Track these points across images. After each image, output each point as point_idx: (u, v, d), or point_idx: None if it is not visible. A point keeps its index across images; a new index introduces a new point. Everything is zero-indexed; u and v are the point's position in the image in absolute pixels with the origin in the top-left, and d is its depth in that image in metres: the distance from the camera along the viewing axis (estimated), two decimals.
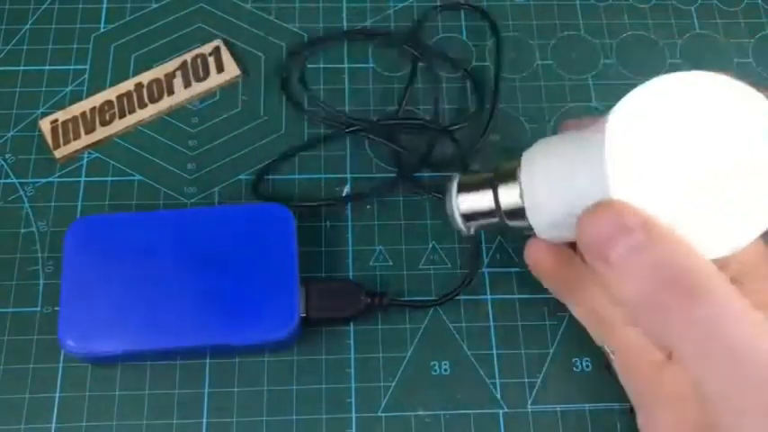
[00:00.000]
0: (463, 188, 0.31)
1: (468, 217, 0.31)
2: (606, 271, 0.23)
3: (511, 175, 0.29)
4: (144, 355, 0.33)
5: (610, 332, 0.29)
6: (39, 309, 0.35)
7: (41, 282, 0.35)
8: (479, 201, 0.30)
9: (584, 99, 0.40)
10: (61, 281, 0.33)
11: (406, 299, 0.35)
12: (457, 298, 0.35)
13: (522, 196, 0.29)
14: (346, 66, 0.41)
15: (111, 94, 0.39)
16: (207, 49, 0.40)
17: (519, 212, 0.29)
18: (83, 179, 0.38)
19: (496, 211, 0.30)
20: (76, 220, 0.34)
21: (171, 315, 0.32)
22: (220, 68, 0.40)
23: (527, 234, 0.31)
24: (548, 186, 0.27)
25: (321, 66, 0.41)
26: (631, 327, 0.27)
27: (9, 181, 0.37)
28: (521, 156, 0.29)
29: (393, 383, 0.34)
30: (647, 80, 0.25)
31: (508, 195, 0.29)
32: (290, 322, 0.32)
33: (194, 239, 0.34)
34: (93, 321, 0.32)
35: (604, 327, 0.29)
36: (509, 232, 0.35)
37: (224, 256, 0.33)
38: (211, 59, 0.40)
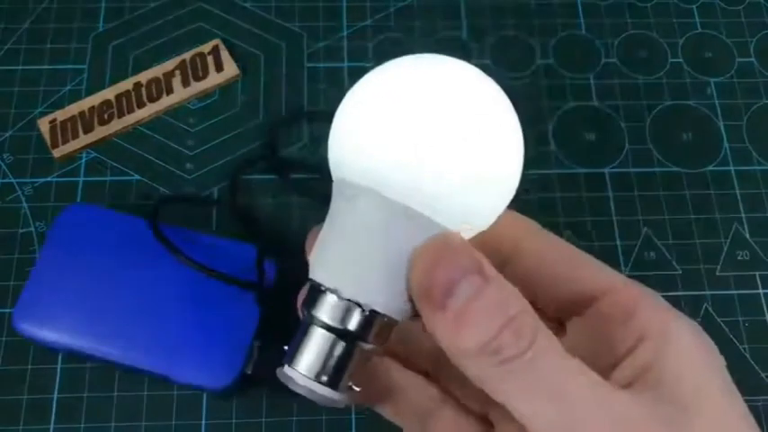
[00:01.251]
0: (291, 358, 0.23)
1: (321, 375, 0.22)
2: (441, 321, 0.21)
3: (315, 294, 0.22)
4: (90, 357, 0.33)
5: (428, 424, 0.27)
6: None
7: None
8: (313, 348, 0.22)
9: (585, 98, 0.40)
10: (36, 262, 0.33)
11: None
12: None
13: (339, 295, 0.22)
14: (346, 65, 0.41)
15: (109, 93, 0.39)
16: (206, 48, 0.40)
17: (354, 314, 0.22)
18: (81, 179, 0.37)
19: (338, 339, 0.22)
20: (72, 205, 0.35)
21: (123, 329, 0.32)
22: (219, 68, 0.40)
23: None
24: (349, 256, 0.22)
25: (321, 65, 0.41)
26: (446, 411, 0.27)
27: (7, 181, 0.37)
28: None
29: None
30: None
31: (330, 310, 0.22)
32: (229, 375, 0.32)
33: (172, 259, 0.33)
34: (50, 311, 0.33)
35: (421, 422, 0.27)
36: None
37: (194, 284, 0.33)
38: (210, 59, 0.40)
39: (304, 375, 0.22)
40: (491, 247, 0.25)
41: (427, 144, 0.21)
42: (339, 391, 0.22)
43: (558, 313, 0.25)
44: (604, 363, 0.23)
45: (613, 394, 0.21)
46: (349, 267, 0.22)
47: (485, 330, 0.20)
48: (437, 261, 0.21)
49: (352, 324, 0.22)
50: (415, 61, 0.22)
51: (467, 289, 0.20)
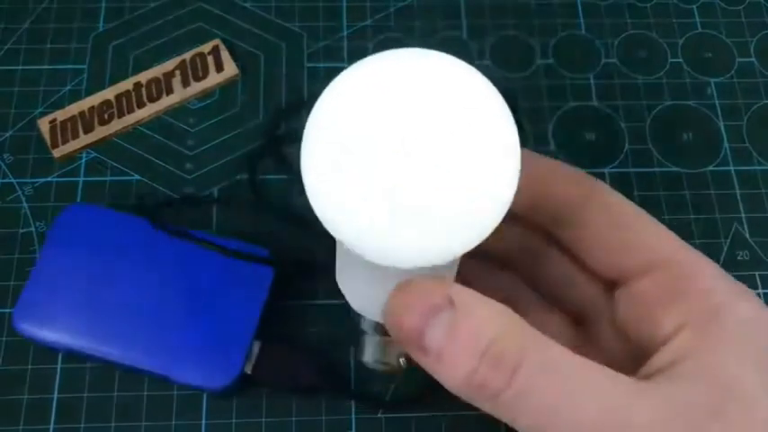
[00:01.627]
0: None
1: (374, 359, 0.28)
2: (428, 360, 0.21)
3: None
4: (90, 357, 0.33)
5: None
6: None
7: None
8: (362, 340, 0.27)
9: (585, 98, 0.40)
10: (36, 262, 0.33)
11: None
12: None
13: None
14: (346, 65, 0.41)
15: (109, 93, 0.39)
16: (206, 48, 0.40)
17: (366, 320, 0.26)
18: (81, 179, 0.37)
19: (369, 337, 0.27)
20: (72, 205, 0.35)
21: (123, 329, 0.32)
22: (219, 68, 0.40)
23: None
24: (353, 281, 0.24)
25: (321, 65, 0.41)
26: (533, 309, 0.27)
27: (7, 181, 0.37)
28: None
29: (393, 385, 0.34)
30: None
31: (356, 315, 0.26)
32: (229, 375, 0.32)
33: (173, 258, 0.33)
34: (50, 311, 0.33)
35: None
36: None
37: (194, 284, 0.33)
38: (210, 59, 0.40)
39: (366, 361, 0.27)
40: (548, 209, 0.25)
41: (402, 210, 0.19)
42: (393, 366, 0.27)
43: (613, 279, 0.24)
44: (644, 345, 0.22)
45: (626, 398, 0.20)
46: (347, 283, 0.24)
47: (464, 366, 0.20)
48: (403, 310, 0.21)
49: (369, 327, 0.26)
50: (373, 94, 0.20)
51: (438, 329, 0.20)
